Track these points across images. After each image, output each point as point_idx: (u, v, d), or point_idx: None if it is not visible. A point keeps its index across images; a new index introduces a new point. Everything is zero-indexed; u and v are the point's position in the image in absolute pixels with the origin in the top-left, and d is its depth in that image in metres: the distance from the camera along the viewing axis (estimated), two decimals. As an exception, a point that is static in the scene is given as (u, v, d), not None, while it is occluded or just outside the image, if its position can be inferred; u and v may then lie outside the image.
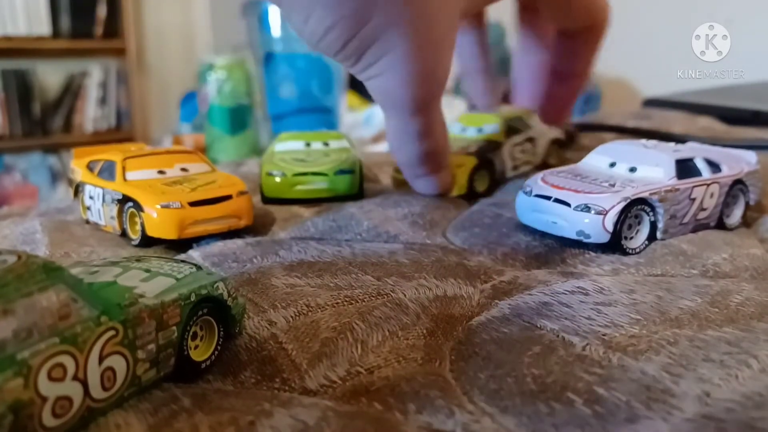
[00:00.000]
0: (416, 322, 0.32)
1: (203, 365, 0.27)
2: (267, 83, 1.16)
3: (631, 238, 0.43)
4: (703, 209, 0.45)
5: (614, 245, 0.41)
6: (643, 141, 0.51)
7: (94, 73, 2.41)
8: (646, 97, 1.19)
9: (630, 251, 0.42)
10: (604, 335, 0.30)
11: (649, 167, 0.45)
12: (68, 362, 0.21)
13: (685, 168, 0.45)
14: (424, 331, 0.31)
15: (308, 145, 0.65)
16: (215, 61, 1.26)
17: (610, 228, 0.41)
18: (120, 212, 0.47)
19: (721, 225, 0.47)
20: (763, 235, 0.46)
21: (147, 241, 0.46)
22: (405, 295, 0.35)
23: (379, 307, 0.32)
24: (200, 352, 0.28)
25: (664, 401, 0.25)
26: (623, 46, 1.56)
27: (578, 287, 0.35)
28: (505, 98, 1.69)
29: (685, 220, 0.45)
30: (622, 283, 0.36)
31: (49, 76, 2.34)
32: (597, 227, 0.41)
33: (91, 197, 0.50)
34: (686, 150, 0.47)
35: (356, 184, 0.59)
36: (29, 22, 2.22)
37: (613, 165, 0.47)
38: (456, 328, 0.32)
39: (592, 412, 0.24)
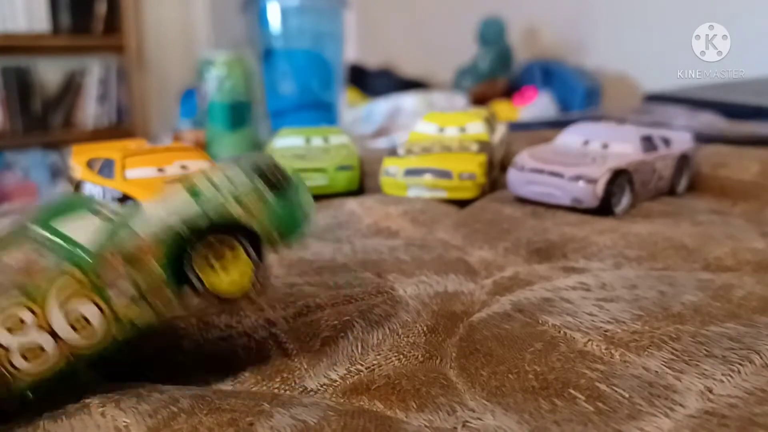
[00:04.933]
0: (417, 319, 0.32)
1: (227, 296, 0.25)
2: (266, 79, 1.16)
3: (617, 203, 0.50)
4: (661, 178, 0.54)
5: (604, 210, 0.49)
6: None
7: (94, 69, 2.41)
8: (647, 92, 1.18)
9: (618, 214, 0.49)
10: (606, 331, 0.29)
11: (619, 144, 0.53)
12: (26, 315, 0.23)
13: (647, 143, 0.54)
14: (425, 329, 0.31)
15: (308, 140, 0.65)
16: (215, 58, 1.26)
17: (600, 194, 0.48)
18: (120, 210, 0.47)
19: (671, 191, 0.56)
20: (764, 228, 0.46)
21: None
22: (405, 292, 0.34)
23: (379, 305, 0.32)
24: (222, 278, 0.25)
25: (666, 397, 0.25)
26: (624, 41, 1.55)
27: (580, 283, 0.35)
28: (506, 94, 1.67)
29: (650, 186, 0.53)
30: (624, 278, 0.36)
31: (49, 72, 2.34)
32: (589, 194, 0.48)
33: (91, 195, 0.50)
34: (644, 128, 0.56)
35: (356, 181, 0.58)
36: (29, 19, 2.22)
37: (586, 143, 0.55)
38: (457, 325, 0.32)
39: (594, 409, 0.24)
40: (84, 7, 2.34)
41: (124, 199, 0.46)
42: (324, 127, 0.70)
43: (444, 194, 0.55)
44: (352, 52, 1.85)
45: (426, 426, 0.24)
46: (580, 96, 1.55)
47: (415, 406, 0.25)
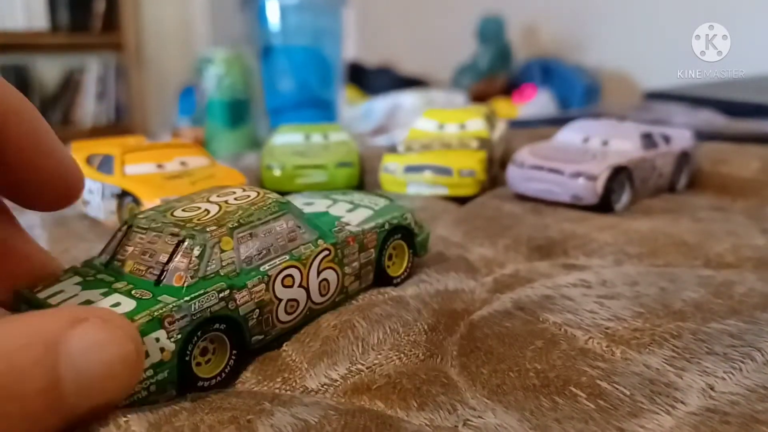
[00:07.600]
0: (417, 318, 0.32)
1: (396, 280, 0.35)
2: (265, 77, 1.15)
3: (617, 200, 0.50)
4: (661, 175, 0.54)
5: (604, 206, 0.49)
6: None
7: (93, 67, 2.40)
8: (647, 89, 1.18)
9: (618, 210, 0.49)
10: (607, 329, 0.29)
11: (619, 140, 0.53)
12: (295, 274, 0.29)
13: (647, 141, 0.53)
14: (426, 327, 0.31)
15: (308, 137, 0.64)
16: (214, 55, 1.26)
17: (600, 191, 0.48)
18: (119, 207, 0.47)
19: (671, 188, 0.56)
20: (765, 225, 0.46)
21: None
22: (406, 291, 0.34)
23: (379, 305, 0.32)
24: (395, 268, 0.35)
25: (667, 395, 0.24)
26: (623, 39, 1.55)
27: (581, 280, 0.35)
28: (506, 91, 1.67)
29: (650, 183, 0.53)
30: (625, 274, 0.36)
31: (48, 70, 2.34)
32: (589, 191, 0.48)
33: (90, 191, 0.50)
34: (644, 126, 0.56)
35: (356, 177, 0.58)
36: (27, 17, 2.22)
37: (586, 140, 0.55)
38: (458, 323, 0.32)
39: (595, 407, 0.24)
40: (82, 4, 2.34)
41: (123, 194, 0.46)
42: (324, 124, 0.70)
43: (444, 191, 0.54)
44: (351, 50, 1.84)
45: (427, 425, 0.24)
46: (579, 94, 1.55)
47: (415, 404, 0.25)
